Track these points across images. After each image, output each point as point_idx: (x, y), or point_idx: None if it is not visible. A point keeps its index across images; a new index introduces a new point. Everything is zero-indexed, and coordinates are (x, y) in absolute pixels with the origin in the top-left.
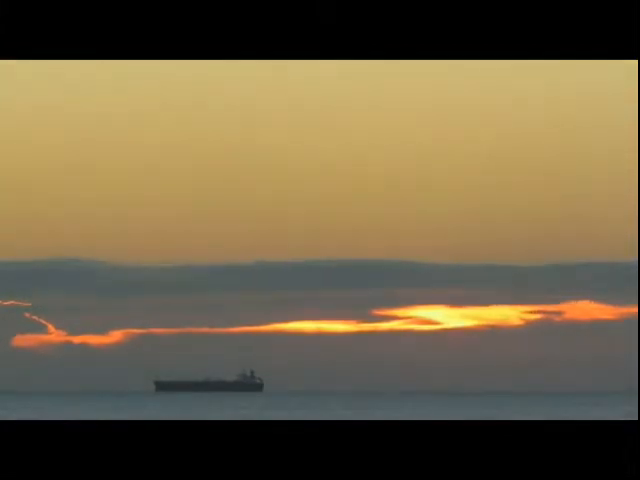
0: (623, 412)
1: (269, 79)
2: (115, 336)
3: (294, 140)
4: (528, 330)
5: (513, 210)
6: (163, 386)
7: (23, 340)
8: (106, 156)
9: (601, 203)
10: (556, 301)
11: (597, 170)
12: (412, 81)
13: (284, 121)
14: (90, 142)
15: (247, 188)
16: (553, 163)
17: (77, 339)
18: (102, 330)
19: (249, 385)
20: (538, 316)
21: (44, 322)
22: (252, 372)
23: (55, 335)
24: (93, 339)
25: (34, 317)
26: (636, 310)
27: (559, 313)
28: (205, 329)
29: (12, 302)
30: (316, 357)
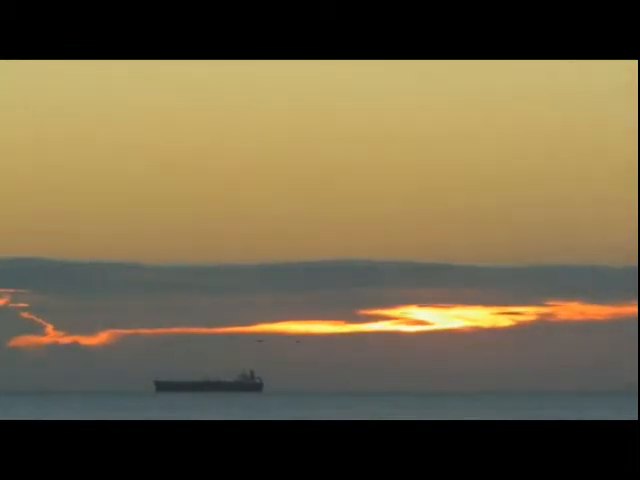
0: (623, 412)
1: (269, 79)
2: (114, 336)
3: (293, 140)
4: (521, 331)
5: (505, 211)
6: (163, 386)
7: (21, 340)
8: (107, 157)
9: (599, 205)
10: (546, 302)
11: (596, 171)
12: (412, 81)
13: (284, 121)
14: (88, 142)
15: (244, 189)
16: (552, 164)
17: (77, 340)
18: (102, 330)
19: (249, 385)
20: (531, 317)
21: (42, 322)
22: (252, 372)
23: (54, 336)
24: (93, 339)
25: (32, 317)
26: (627, 311)
27: (551, 314)
28: (204, 329)
29: (10, 303)
30: (316, 357)
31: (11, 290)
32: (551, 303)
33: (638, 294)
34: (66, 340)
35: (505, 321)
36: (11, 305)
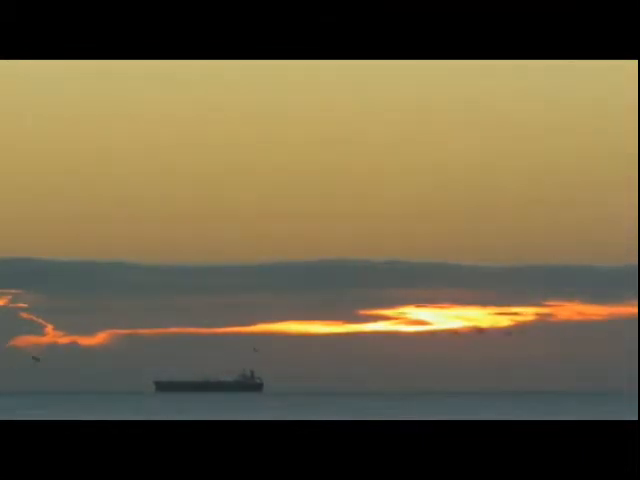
0: (623, 412)
1: (270, 79)
2: (114, 336)
3: (293, 140)
4: (520, 331)
5: (505, 211)
6: (163, 386)
7: (21, 340)
8: (106, 158)
9: (599, 205)
10: (546, 302)
11: (596, 171)
12: (412, 81)
13: (284, 121)
14: (88, 143)
15: (244, 189)
16: (551, 164)
17: (77, 340)
18: (102, 330)
19: (249, 385)
20: (530, 317)
21: (42, 322)
22: (252, 372)
23: (54, 336)
24: (93, 339)
25: (32, 317)
26: (627, 311)
27: (550, 314)
28: (204, 329)
29: (10, 303)
30: (316, 357)
31: (11, 290)
32: (550, 303)
33: (638, 294)
34: (66, 340)
35: (504, 321)
36: (11, 305)
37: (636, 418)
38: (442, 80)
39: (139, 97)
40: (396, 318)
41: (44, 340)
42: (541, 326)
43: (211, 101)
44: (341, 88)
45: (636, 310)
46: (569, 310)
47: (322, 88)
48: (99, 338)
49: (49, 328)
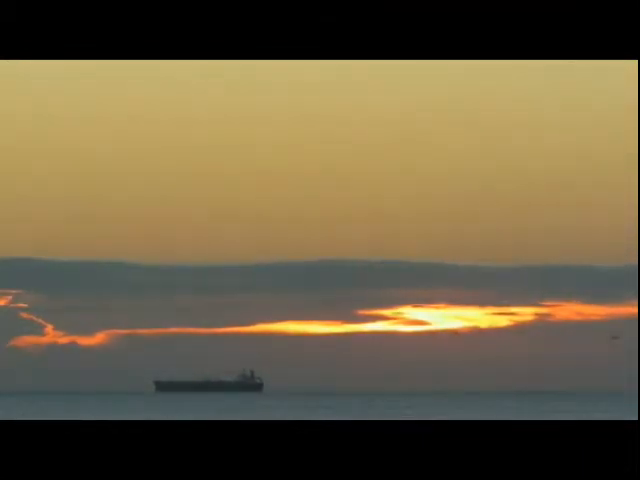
0: (623, 412)
1: (269, 79)
2: (114, 336)
3: (292, 140)
4: (519, 331)
5: (504, 211)
6: (163, 386)
7: (21, 340)
8: (106, 159)
9: (598, 205)
10: (545, 302)
11: (596, 171)
12: (411, 81)
13: (283, 121)
14: (88, 144)
15: (241, 189)
16: (551, 164)
17: (77, 340)
18: (102, 330)
19: (249, 385)
20: (529, 317)
21: (42, 322)
22: (252, 372)
23: (54, 336)
24: (92, 339)
25: (32, 317)
26: (626, 311)
27: (549, 314)
28: (204, 329)
29: (10, 303)
30: (316, 357)
31: (11, 290)
32: (550, 303)
33: (638, 294)
34: (66, 340)
35: (503, 321)
36: (11, 305)
37: (636, 418)
38: (442, 80)
39: (139, 97)
40: (394, 318)
41: (44, 340)
42: (540, 326)
43: (211, 101)
44: (341, 88)
45: (636, 310)
46: (568, 310)
47: (322, 88)
48: (99, 338)
49: (49, 328)
